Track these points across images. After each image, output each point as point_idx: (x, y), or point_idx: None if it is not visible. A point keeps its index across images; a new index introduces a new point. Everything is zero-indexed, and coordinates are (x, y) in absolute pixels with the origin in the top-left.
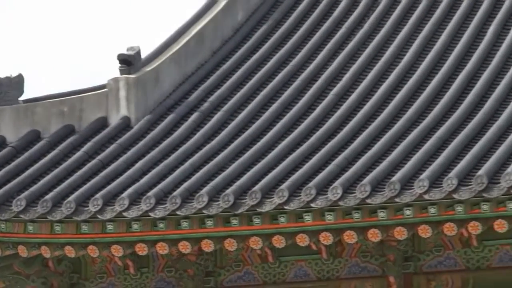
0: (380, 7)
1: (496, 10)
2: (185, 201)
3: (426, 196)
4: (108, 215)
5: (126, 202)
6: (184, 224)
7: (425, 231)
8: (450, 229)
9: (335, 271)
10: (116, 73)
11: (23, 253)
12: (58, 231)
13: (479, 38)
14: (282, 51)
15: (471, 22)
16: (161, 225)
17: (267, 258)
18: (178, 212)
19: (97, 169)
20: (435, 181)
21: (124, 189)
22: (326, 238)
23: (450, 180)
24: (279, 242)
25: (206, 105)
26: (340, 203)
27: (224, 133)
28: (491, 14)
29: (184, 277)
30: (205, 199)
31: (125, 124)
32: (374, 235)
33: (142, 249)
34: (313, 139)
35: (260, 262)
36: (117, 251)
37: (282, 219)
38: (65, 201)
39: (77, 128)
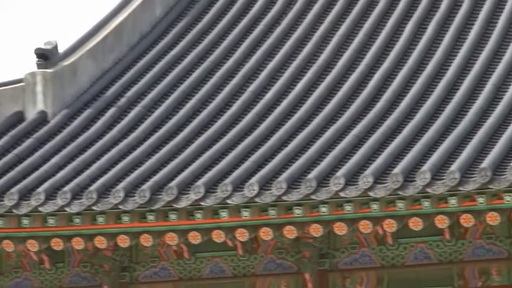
0: (298, 5)
1: (413, 9)
2: (101, 196)
3: (341, 194)
4: (23, 209)
5: (42, 197)
6: (100, 219)
7: (340, 229)
8: (365, 226)
9: (250, 267)
10: (33, 68)
11: None
12: None
13: (397, 36)
14: (200, 47)
15: (388, 20)
16: (77, 220)
17: (182, 254)
18: (94, 207)
19: (13, 163)
20: (351, 179)
21: (40, 184)
22: (242, 235)
23: (366, 178)
24: (195, 238)
25: (123, 100)
26: (256, 199)
27: (141, 128)
28: (408, 12)
29: (100, 272)
30: (121, 194)
31: (42, 119)
32: (290, 232)
33: (57, 244)
34: (230, 135)
35: (175, 258)
36: (33, 245)
37: (198, 215)
38: None
39: None
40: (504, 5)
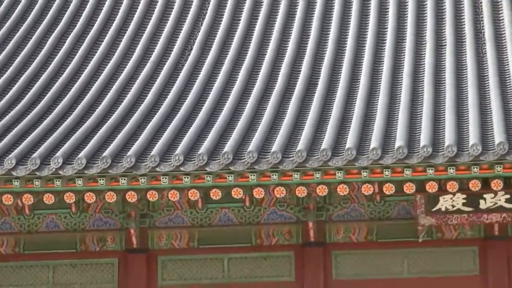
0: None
1: (108, 27)
2: None
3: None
4: None
5: None
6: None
7: None
8: (7, 199)
9: None
10: None
11: None
12: None
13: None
14: None
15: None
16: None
17: None
18: None
19: None
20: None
21: None
22: None
23: (10, 160)
24: None
25: None
26: None
27: None
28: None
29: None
30: None
31: None
32: None
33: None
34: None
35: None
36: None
37: None
38: None
39: None
40: (185, 18)
